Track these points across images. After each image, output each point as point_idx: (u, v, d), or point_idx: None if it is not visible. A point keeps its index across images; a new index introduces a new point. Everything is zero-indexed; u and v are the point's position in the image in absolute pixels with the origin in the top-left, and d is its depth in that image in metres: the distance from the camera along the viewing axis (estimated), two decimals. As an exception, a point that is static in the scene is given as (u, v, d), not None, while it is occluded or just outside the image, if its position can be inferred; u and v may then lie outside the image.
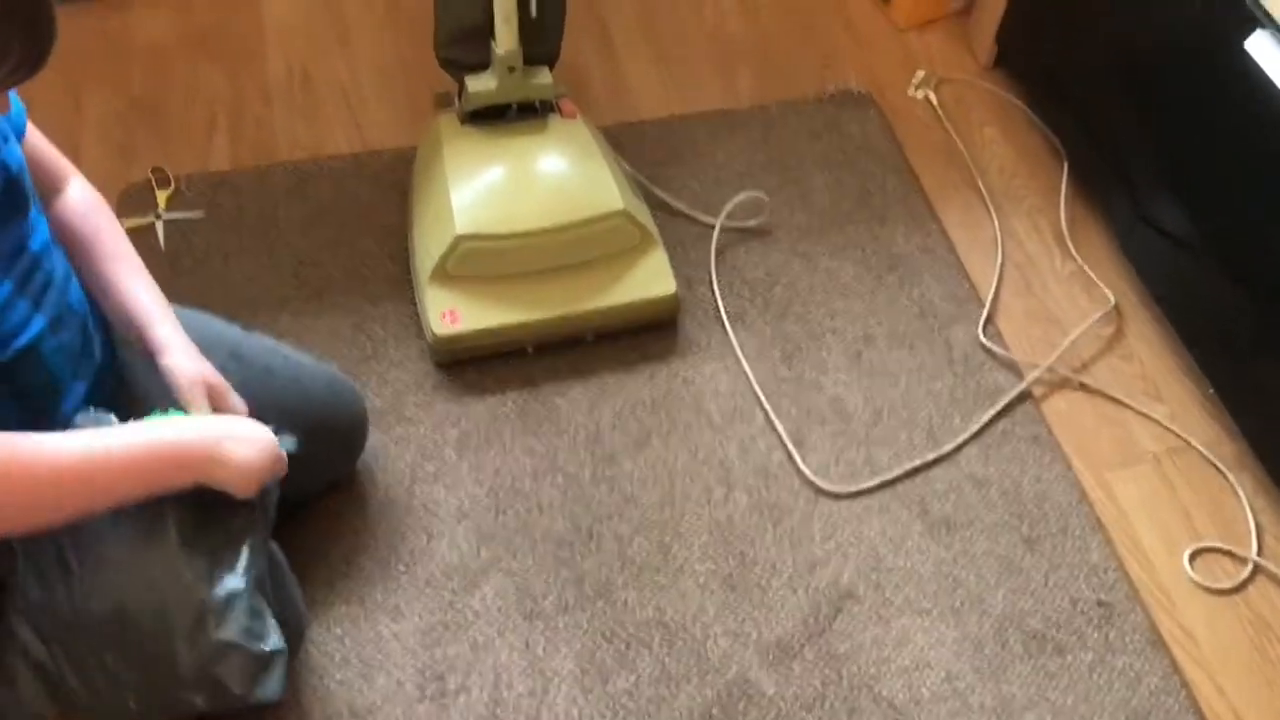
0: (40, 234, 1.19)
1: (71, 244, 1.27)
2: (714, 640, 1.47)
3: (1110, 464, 1.67)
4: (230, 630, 1.16)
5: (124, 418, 1.17)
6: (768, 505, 1.59)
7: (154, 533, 1.16)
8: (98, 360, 1.26)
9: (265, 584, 1.25)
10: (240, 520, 1.21)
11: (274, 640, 1.20)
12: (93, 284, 1.27)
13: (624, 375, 1.71)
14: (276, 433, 1.22)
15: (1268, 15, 1.47)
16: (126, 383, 1.32)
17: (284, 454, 1.23)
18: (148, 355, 1.25)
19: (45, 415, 1.16)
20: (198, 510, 1.17)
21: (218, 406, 1.24)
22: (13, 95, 1.22)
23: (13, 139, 1.17)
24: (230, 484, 1.16)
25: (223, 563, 1.19)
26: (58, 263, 1.21)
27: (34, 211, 1.18)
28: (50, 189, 1.29)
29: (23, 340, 1.14)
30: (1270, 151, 1.52)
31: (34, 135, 1.26)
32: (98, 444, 1.09)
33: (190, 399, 1.22)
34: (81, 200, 1.31)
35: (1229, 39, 1.51)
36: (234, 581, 1.18)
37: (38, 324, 1.16)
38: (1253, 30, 1.47)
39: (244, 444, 1.17)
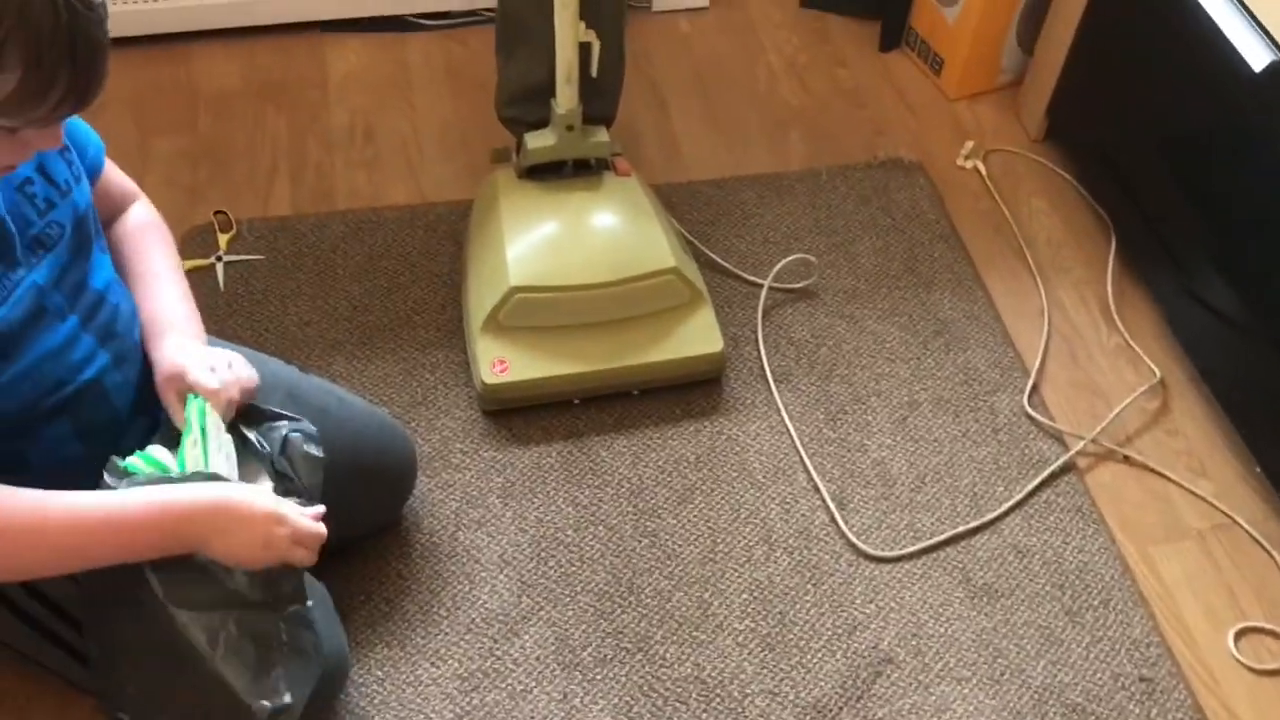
0: (104, 271, 1.22)
1: (120, 258, 1.30)
2: (751, 700, 1.46)
3: (1154, 538, 1.66)
4: None
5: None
6: (809, 566, 1.59)
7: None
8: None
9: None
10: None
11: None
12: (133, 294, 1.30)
13: (668, 430, 1.73)
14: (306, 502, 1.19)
15: (1321, 97, 1.48)
16: None
17: (311, 528, 1.16)
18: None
19: (106, 450, 1.18)
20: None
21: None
22: (91, 132, 1.27)
23: (84, 179, 1.21)
24: (228, 559, 1.13)
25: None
26: (122, 299, 1.25)
27: (97, 249, 1.22)
28: (116, 211, 1.33)
29: (87, 375, 1.17)
30: (1322, 232, 1.53)
31: (107, 163, 1.30)
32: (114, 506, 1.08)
33: (165, 399, 1.22)
34: (137, 220, 1.34)
35: (1282, 119, 1.53)
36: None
37: (101, 359, 1.19)
38: (1306, 112, 1.49)
39: (238, 525, 1.11)
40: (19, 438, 1.14)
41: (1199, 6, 1.68)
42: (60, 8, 0.92)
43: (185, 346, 1.24)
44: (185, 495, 1.10)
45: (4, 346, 1.09)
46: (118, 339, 1.22)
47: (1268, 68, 1.56)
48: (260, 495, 1.14)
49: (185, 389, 1.20)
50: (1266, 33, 1.58)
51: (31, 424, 1.14)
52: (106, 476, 1.11)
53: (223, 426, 1.20)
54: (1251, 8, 1.60)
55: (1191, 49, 1.72)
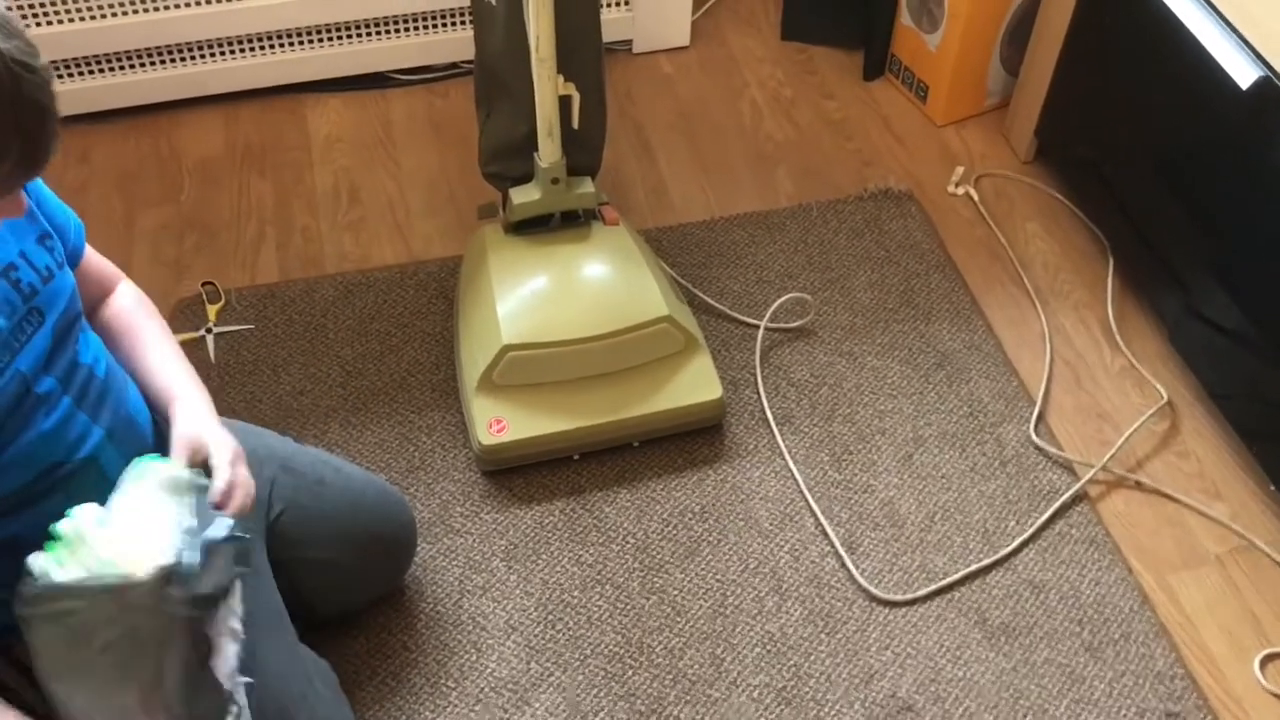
0: (91, 346, 1.21)
1: (112, 339, 1.29)
2: (770, 757, 1.43)
3: (1172, 566, 1.63)
4: None
5: None
6: (821, 615, 1.56)
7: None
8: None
9: None
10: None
11: None
12: (129, 368, 1.28)
13: (671, 481, 1.70)
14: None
15: (1313, 112, 1.46)
16: None
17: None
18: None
19: None
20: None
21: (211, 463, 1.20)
22: (70, 214, 1.25)
23: (66, 265, 1.19)
24: None
25: None
26: (112, 369, 1.23)
27: (81, 328, 1.21)
28: (101, 295, 1.32)
29: (83, 453, 1.16)
30: (1322, 247, 1.50)
31: (87, 248, 1.29)
32: None
33: (175, 454, 1.19)
34: (125, 299, 1.33)
35: (1274, 135, 1.51)
36: None
37: (96, 435, 1.17)
38: (1298, 127, 1.47)
39: None
40: (10, 520, 1.12)
41: (1184, 25, 1.66)
42: (3, 75, 0.91)
43: (210, 420, 1.23)
44: None
45: None
46: (111, 412, 1.20)
47: (1255, 84, 1.54)
48: None
49: (200, 459, 1.18)
50: (1252, 49, 1.56)
51: (26, 503, 1.12)
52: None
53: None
54: (1236, 25, 1.58)
55: (1178, 67, 1.70)
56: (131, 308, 1.33)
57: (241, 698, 1.15)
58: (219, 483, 1.17)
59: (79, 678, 1.05)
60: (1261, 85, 1.53)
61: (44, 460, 1.13)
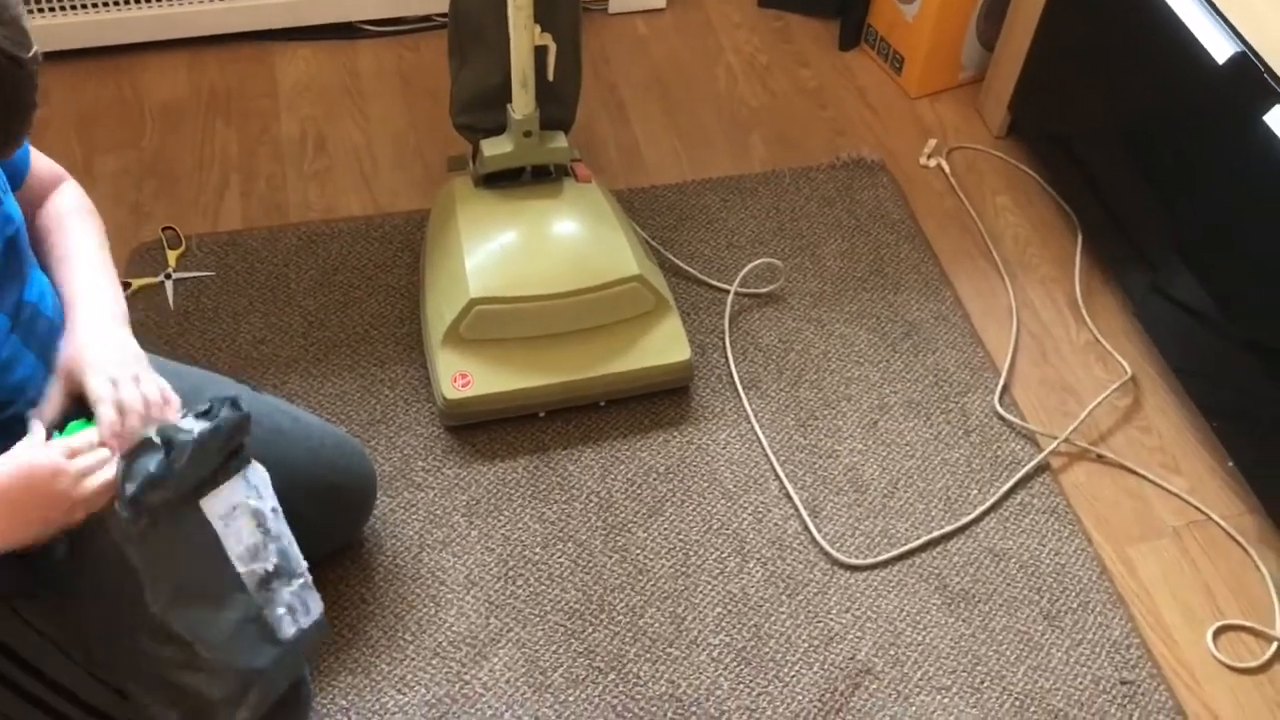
0: (36, 283, 1.17)
1: (39, 242, 1.22)
2: (728, 717, 1.43)
3: (1130, 537, 1.64)
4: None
5: None
6: (782, 577, 1.56)
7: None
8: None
9: None
10: None
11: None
12: (51, 281, 1.21)
13: (637, 442, 1.69)
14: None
15: (1287, 89, 1.47)
16: None
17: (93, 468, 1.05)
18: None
19: None
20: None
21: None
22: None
23: (9, 193, 1.14)
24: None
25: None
26: (57, 309, 1.19)
27: (31, 265, 1.17)
28: (42, 196, 1.25)
29: (31, 394, 1.12)
30: (1290, 224, 1.51)
31: (31, 154, 1.23)
32: None
33: (50, 390, 1.12)
34: (62, 204, 1.25)
35: (1249, 112, 1.51)
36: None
37: (42, 374, 1.14)
38: (1274, 104, 1.47)
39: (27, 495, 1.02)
40: None
41: (1161, 1, 1.66)
42: None
43: (96, 335, 1.12)
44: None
45: None
46: (57, 349, 1.16)
47: (1231, 59, 1.55)
48: (33, 449, 1.03)
49: (76, 390, 1.10)
50: (1229, 24, 1.56)
51: None
52: None
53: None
54: (1214, 0, 1.59)
55: (1154, 42, 1.71)
56: (66, 210, 1.24)
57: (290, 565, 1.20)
58: (103, 418, 1.07)
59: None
60: (1238, 61, 1.54)
61: None
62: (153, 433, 1.08)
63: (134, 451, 1.07)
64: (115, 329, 1.16)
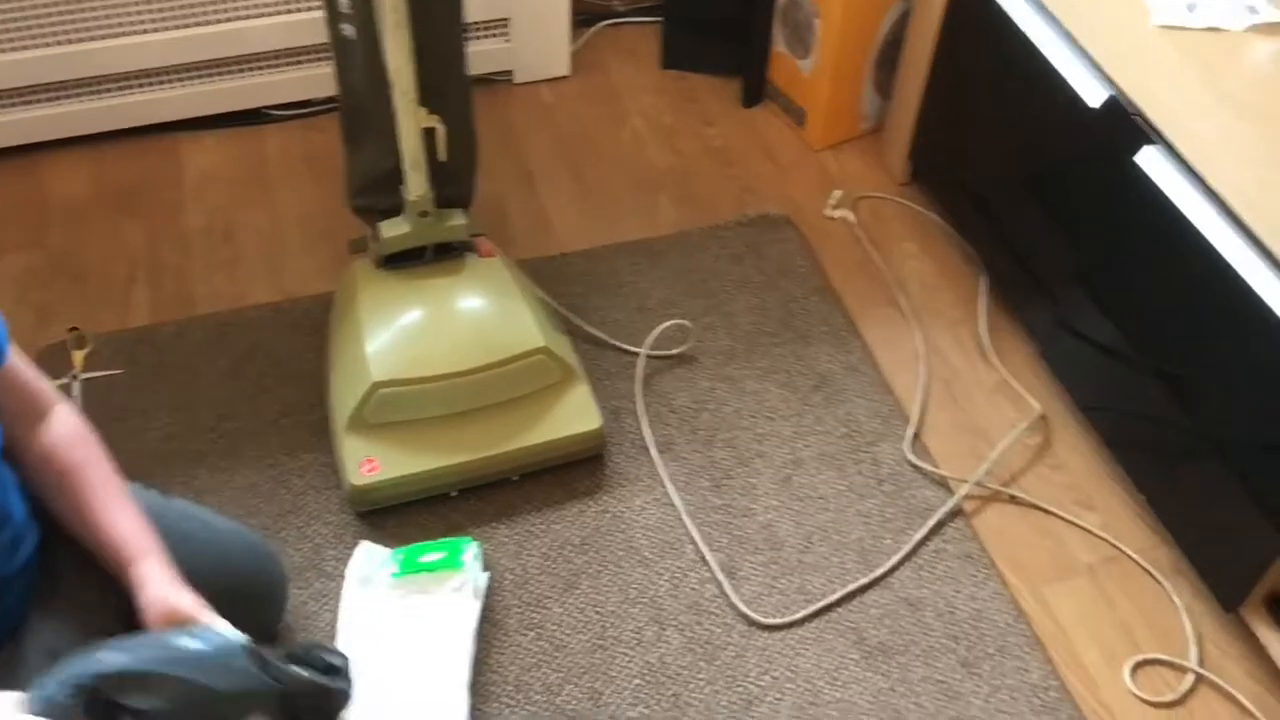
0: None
1: (55, 476, 1.22)
2: (649, 790, 1.42)
3: (1045, 578, 1.65)
4: None
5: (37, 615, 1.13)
6: (700, 642, 1.56)
7: None
8: (21, 561, 1.20)
9: None
10: None
11: None
12: (73, 516, 1.22)
13: (551, 515, 1.69)
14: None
15: (1156, 132, 1.50)
16: (52, 581, 1.26)
17: None
18: (129, 589, 1.19)
19: None
20: None
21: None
22: None
23: None
24: None
25: None
26: (15, 505, 1.19)
27: None
28: (32, 415, 1.23)
29: None
30: (1170, 257, 1.54)
31: (16, 357, 1.21)
32: None
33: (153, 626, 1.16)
34: (67, 431, 1.24)
35: (1121, 154, 1.55)
36: None
37: None
38: (1144, 145, 1.51)
39: None
40: None
41: (1036, 48, 1.70)
42: None
43: (167, 579, 1.19)
44: None
45: None
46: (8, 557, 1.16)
47: (1104, 103, 1.58)
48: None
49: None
50: (1100, 70, 1.60)
51: None
52: None
53: None
54: (1085, 46, 1.62)
55: (1034, 88, 1.74)
56: (74, 444, 1.24)
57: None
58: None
59: None
60: (1110, 105, 1.57)
61: None
62: None
63: None
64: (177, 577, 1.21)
